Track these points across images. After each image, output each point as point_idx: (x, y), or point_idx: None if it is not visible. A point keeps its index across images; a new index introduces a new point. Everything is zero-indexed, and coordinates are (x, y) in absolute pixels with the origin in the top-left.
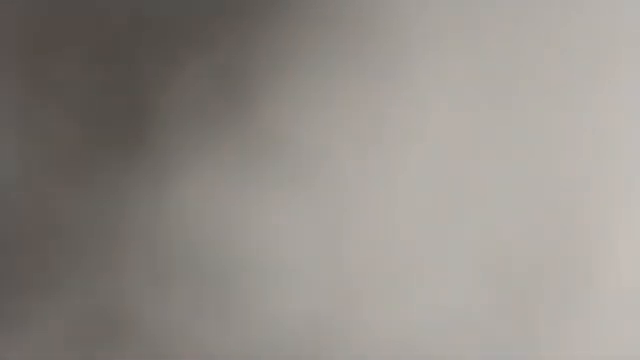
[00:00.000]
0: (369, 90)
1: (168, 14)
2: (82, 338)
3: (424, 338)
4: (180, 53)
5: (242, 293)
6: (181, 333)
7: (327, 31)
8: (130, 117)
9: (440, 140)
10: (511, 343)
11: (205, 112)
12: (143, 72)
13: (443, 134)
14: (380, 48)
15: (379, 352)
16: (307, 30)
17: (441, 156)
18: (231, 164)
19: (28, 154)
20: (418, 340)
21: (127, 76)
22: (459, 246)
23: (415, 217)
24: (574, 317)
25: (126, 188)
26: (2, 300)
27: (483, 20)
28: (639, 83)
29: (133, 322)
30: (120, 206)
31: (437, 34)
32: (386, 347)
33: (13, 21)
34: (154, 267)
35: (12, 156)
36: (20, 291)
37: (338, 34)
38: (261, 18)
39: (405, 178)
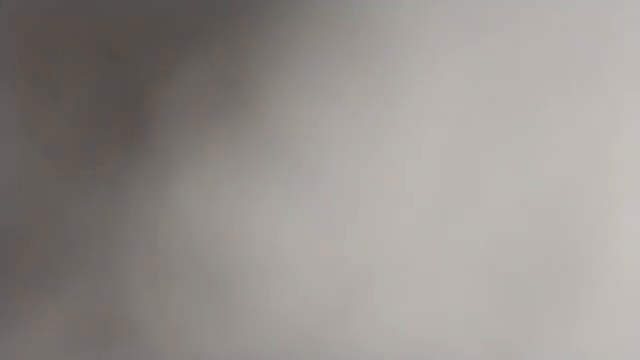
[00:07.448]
0: (369, 89)
1: (168, 13)
2: (82, 338)
3: (424, 337)
4: (180, 52)
5: (243, 292)
6: (181, 333)
7: (327, 30)
8: (130, 116)
9: (440, 139)
10: (511, 343)
11: (205, 111)
12: (143, 70)
13: (443, 133)
14: (380, 47)
15: (381, 351)
16: (307, 29)
17: (441, 155)
18: (232, 163)
19: (28, 154)
20: (419, 339)
21: (127, 75)
22: (459, 245)
23: (415, 216)
24: (574, 317)
25: (126, 187)
26: (2, 299)
27: (483, 20)
28: (638, 84)
29: (133, 322)
30: (120, 205)
31: (437, 33)
32: (388, 346)
33: (13, 21)
34: (155, 267)
35: (12, 156)
36: (20, 291)
37: (338, 33)
38: (261, 17)
39: (405, 177)
